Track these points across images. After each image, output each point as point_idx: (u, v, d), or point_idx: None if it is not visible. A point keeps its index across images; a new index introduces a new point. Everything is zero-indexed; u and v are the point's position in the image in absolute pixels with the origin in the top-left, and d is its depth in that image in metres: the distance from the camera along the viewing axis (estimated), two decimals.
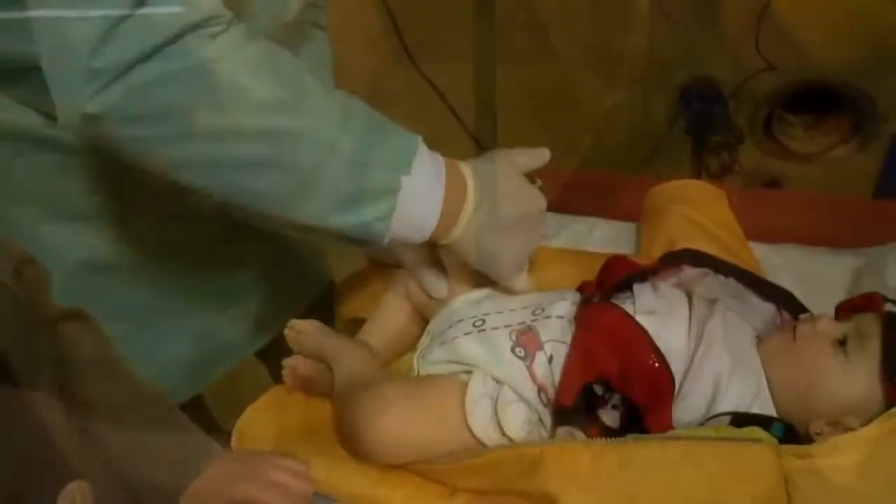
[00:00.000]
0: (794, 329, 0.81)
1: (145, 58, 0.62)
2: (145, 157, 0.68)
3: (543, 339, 0.81)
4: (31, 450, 0.52)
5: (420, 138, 0.78)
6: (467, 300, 0.91)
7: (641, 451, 0.70)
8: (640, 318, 0.79)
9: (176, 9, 0.62)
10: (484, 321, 0.85)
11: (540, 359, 0.80)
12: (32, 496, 0.50)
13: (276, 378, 0.96)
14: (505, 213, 0.84)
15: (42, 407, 0.55)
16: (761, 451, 0.70)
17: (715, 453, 0.69)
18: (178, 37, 0.63)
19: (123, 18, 0.61)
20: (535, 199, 0.87)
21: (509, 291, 0.90)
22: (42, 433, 0.53)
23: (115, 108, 0.64)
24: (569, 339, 0.81)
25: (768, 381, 0.78)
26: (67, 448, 0.56)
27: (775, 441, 0.71)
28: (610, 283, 0.88)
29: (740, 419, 0.73)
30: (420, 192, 0.76)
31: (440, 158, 0.80)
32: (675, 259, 0.89)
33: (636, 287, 0.86)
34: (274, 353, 0.99)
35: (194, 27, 0.63)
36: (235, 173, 0.70)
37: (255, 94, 0.67)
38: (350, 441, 0.81)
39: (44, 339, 0.64)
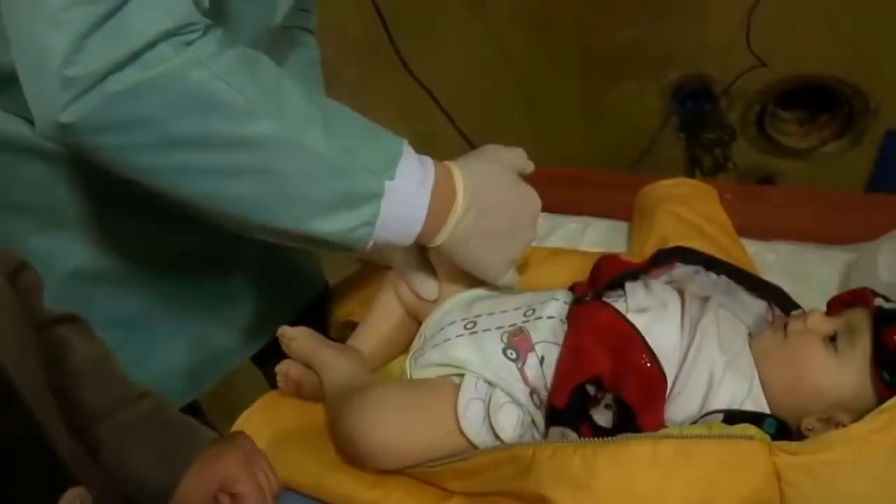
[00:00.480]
0: (786, 326, 0.81)
1: (119, 66, 0.62)
2: (122, 165, 0.68)
3: (535, 340, 0.81)
4: (30, 454, 0.52)
5: (405, 142, 0.77)
6: (458, 301, 0.91)
7: (634, 451, 0.70)
8: (632, 317, 0.79)
9: (150, 16, 0.62)
10: (475, 323, 0.85)
11: (531, 360, 0.80)
12: (32, 502, 0.50)
13: (273, 383, 0.96)
14: (496, 217, 0.83)
15: (39, 410, 0.54)
16: (754, 447, 0.70)
17: (707, 451, 0.69)
18: (152, 44, 0.62)
19: (96, 27, 0.60)
20: (529, 199, 0.86)
21: (496, 288, 0.90)
22: (40, 437, 0.53)
23: (90, 117, 0.63)
24: (560, 340, 0.81)
25: (760, 378, 0.78)
26: (65, 452, 0.55)
27: (768, 438, 0.71)
28: (602, 281, 0.88)
29: (733, 416, 0.73)
30: (405, 197, 0.76)
31: (429, 161, 0.80)
32: (667, 257, 0.89)
33: (628, 285, 0.86)
34: (271, 358, 0.99)
35: (168, 34, 0.63)
36: (213, 180, 0.70)
37: (231, 100, 0.66)
38: (344, 447, 0.81)
39: (39, 343, 0.63)
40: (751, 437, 0.70)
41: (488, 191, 0.82)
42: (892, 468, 0.67)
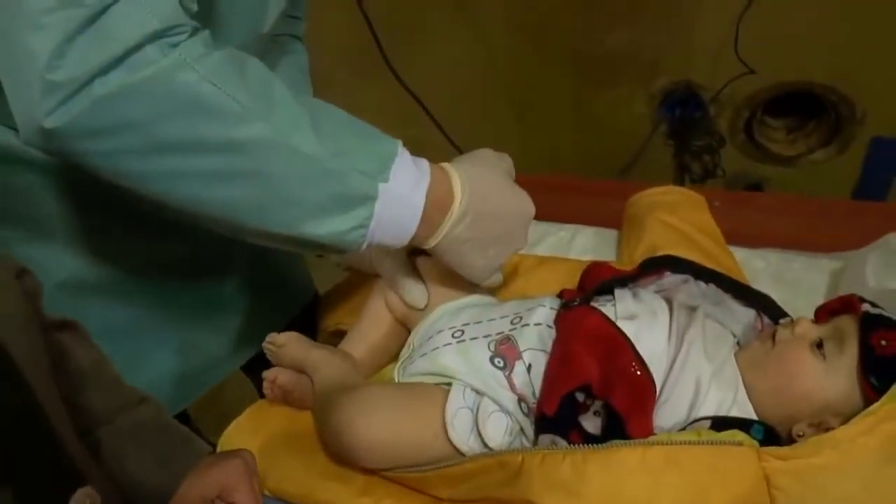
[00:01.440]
0: (774, 334, 0.81)
1: (105, 69, 0.61)
2: (109, 171, 0.67)
3: (522, 347, 0.81)
4: (43, 452, 0.52)
5: (399, 143, 0.77)
6: (447, 310, 0.91)
7: (623, 457, 0.70)
8: (621, 324, 0.80)
9: (135, 18, 0.61)
10: (463, 332, 0.86)
11: (519, 368, 0.80)
12: (44, 500, 0.50)
13: (263, 392, 0.96)
14: (491, 222, 0.83)
15: (50, 409, 0.54)
16: (742, 453, 0.70)
17: (697, 456, 0.70)
18: (138, 47, 0.61)
19: (81, 30, 0.59)
20: (523, 205, 0.86)
21: (485, 297, 0.90)
22: (52, 435, 0.53)
23: (75, 123, 0.62)
24: (548, 347, 0.81)
25: (749, 385, 0.79)
26: (74, 452, 0.55)
27: (756, 443, 0.72)
28: (591, 288, 0.88)
29: (720, 423, 0.74)
30: (399, 199, 0.75)
31: (424, 163, 0.79)
32: (656, 265, 0.90)
33: (617, 292, 0.86)
34: (260, 368, 0.98)
35: (154, 36, 0.62)
36: (203, 185, 0.69)
37: (220, 103, 0.65)
38: (333, 444, 0.81)
39: (45, 345, 0.63)
40: (739, 443, 0.71)
41: (485, 195, 0.82)
42: (880, 470, 0.68)
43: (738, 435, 0.72)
